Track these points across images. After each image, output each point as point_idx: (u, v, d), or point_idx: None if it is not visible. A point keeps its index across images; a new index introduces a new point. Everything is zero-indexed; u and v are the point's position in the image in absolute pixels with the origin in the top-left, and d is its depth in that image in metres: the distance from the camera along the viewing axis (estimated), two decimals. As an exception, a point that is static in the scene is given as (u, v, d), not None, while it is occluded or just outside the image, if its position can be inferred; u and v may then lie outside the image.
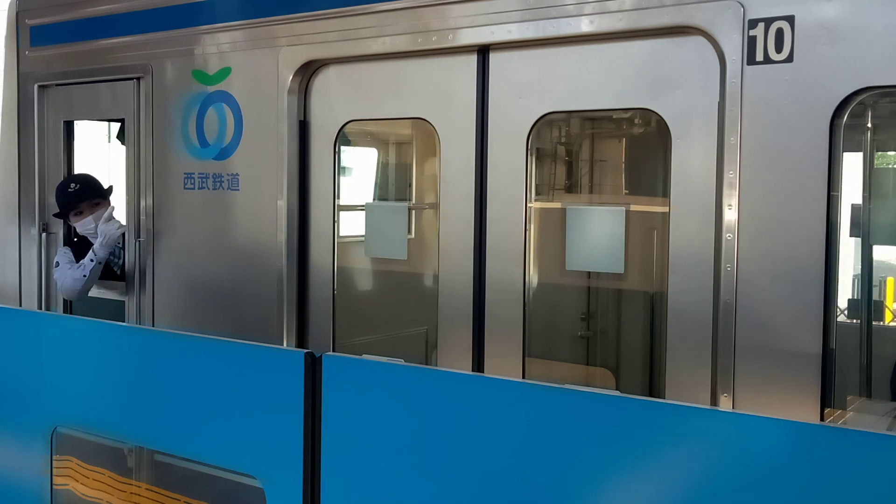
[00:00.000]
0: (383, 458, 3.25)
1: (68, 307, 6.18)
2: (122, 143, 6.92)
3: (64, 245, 6.17)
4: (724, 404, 3.70)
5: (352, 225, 5.33)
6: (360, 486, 3.31)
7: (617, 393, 3.07)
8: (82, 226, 5.95)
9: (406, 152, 6.57)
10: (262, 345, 3.71)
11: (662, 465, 2.75)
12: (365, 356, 3.94)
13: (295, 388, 3.36)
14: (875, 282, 6.31)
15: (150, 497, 4.48)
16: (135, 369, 4.03)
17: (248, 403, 3.56)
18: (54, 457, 4.35)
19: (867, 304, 5.45)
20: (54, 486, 4.38)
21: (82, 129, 6.44)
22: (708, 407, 3.65)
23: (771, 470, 2.56)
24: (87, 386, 4.21)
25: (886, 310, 7.67)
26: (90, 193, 5.99)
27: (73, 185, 5.99)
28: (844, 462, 2.48)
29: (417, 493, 3.20)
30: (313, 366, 3.35)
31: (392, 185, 6.73)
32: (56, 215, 6.07)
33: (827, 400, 3.57)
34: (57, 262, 5.93)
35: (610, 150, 5.82)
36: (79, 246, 6.05)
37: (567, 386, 3.07)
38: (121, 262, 6.03)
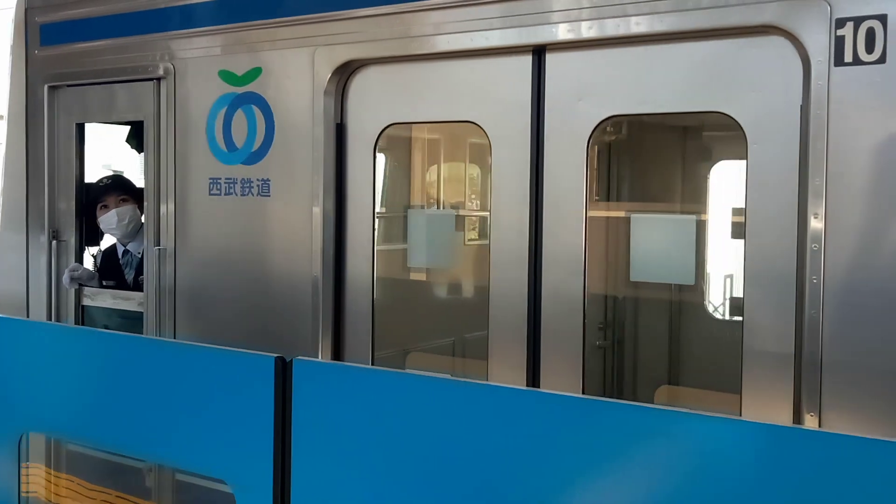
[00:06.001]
0: (354, 464, 3.20)
1: (80, 318, 5.92)
2: (132, 147, 6.67)
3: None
4: (810, 424, 3.52)
5: (390, 233, 5.10)
6: (330, 491, 3.25)
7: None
8: (105, 221, 5.95)
9: (451, 158, 6.28)
10: (233, 349, 3.60)
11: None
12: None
13: (265, 393, 3.33)
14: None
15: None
16: (104, 374, 3.94)
17: (219, 408, 3.51)
18: (23, 464, 4.26)
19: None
20: (22, 494, 4.28)
21: (91, 132, 6.16)
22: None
23: (745, 473, 2.50)
24: (56, 391, 4.09)
25: None
26: (119, 189, 6.06)
27: (104, 180, 6.19)
28: (821, 465, 2.41)
29: (387, 500, 3.13)
30: (283, 370, 3.31)
31: (436, 191, 6.43)
32: (83, 210, 6.01)
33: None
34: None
35: (680, 156, 5.58)
36: (105, 268, 6.06)
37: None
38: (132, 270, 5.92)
